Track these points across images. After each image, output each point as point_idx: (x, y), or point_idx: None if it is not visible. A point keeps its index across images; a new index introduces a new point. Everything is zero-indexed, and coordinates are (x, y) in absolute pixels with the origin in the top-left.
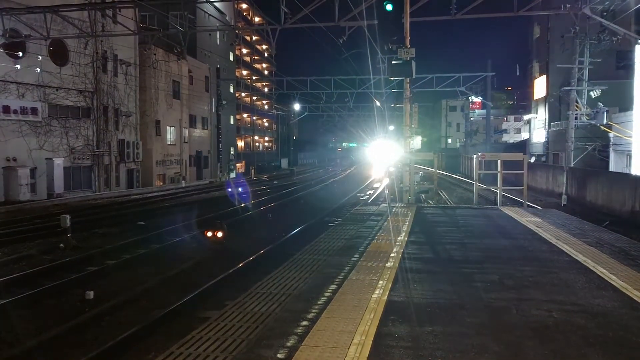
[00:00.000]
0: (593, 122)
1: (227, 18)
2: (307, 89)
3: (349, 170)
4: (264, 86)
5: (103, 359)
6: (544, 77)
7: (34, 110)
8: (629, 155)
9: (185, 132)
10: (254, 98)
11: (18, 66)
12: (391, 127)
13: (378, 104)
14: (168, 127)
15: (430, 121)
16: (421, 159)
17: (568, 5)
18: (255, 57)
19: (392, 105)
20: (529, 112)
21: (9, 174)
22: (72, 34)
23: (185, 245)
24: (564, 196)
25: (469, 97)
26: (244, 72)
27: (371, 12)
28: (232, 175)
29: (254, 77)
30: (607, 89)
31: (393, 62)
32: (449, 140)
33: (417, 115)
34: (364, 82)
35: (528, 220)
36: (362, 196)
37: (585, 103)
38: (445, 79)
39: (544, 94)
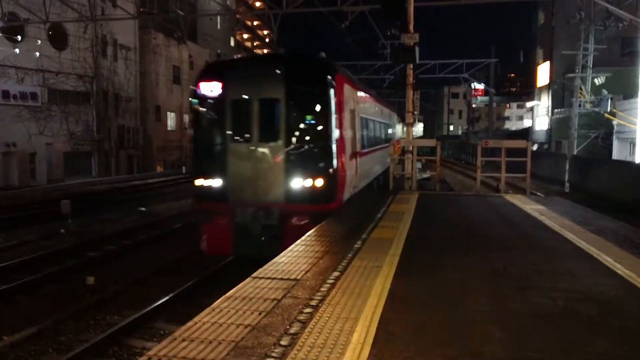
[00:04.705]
0: (597, 109)
1: (227, 2)
2: None
3: None
4: None
5: (104, 345)
6: (547, 64)
7: (34, 95)
8: (632, 143)
9: (186, 117)
10: None
11: (17, 50)
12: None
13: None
14: (168, 113)
15: (432, 108)
16: (422, 145)
17: None
18: (256, 43)
19: (394, 90)
20: (532, 99)
21: (8, 160)
22: (71, 18)
23: (186, 232)
24: (566, 184)
25: (472, 84)
26: None
27: None
28: None
29: None
30: (611, 76)
31: (396, 48)
32: (451, 127)
33: (419, 102)
34: (365, 67)
35: (531, 208)
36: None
37: (589, 90)
38: (448, 65)
39: (548, 81)
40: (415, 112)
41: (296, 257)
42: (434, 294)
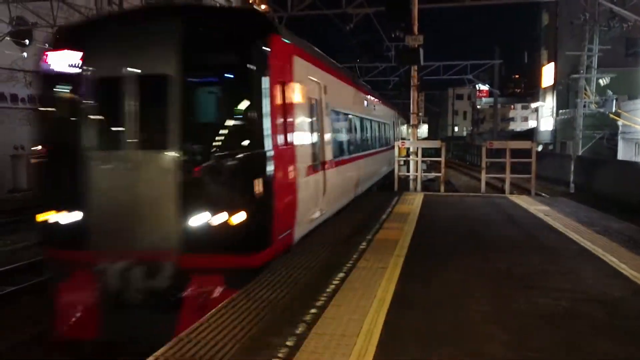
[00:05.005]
0: (602, 110)
1: (232, 5)
2: None
3: None
4: None
5: (111, 345)
6: (552, 65)
7: None
8: (637, 144)
9: None
10: None
11: (25, 54)
12: None
13: None
14: None
15: (436, 109)
16: (427, 146)
17: None
18: None
19: (399, 92)
20: (537, 100)
21: (17, 162)
22: None
23: None
24: (571, 185)
25: (476, 85)
26: None
27: None
28: None
29: None
30: (616, 77)
31: (401, 50)
32: (456, 129)
33: (423, 103)
34: (370, 69)
35: (536, 208)
36: None
37: (594, 91)
38: (452, 67)
39: (552, 82)
40: (420, 114)
41: (300, 257)
42: (438, 295)
